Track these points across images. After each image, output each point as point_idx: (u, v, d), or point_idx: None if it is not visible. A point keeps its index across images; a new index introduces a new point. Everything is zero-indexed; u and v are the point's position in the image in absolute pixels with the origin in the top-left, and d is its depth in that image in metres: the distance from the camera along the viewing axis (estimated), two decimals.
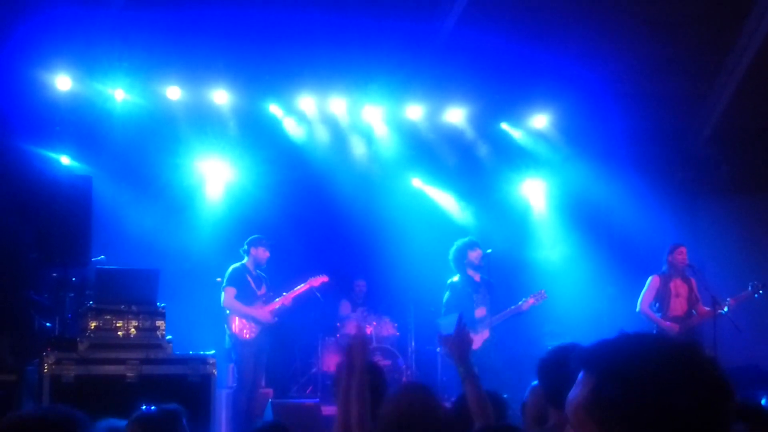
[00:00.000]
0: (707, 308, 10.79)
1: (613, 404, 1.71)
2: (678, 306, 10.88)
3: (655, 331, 10.16)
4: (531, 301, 10.81)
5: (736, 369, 11.28)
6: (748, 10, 12.47)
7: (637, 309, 10.92)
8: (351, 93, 12.84)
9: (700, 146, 13.84)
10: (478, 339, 10.50)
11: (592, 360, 1.79)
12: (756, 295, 10.79)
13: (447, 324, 10.68)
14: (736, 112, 13.26)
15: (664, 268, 10.99)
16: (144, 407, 4.72)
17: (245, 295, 10.51)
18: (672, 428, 1.67)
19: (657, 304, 10.91)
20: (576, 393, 1.80)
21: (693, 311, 10.88)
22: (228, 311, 10.48)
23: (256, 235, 10.81)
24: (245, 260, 10.69)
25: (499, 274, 11.23)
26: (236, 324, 10.42)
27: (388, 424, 3.59)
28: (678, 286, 10.93)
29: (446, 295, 10.81)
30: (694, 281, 10.98)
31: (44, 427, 2.81)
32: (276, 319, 10.69)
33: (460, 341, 3.90)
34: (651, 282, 10.96)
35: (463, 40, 12.18)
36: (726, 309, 10.57)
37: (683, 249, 10.98)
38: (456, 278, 10.81)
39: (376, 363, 5.94)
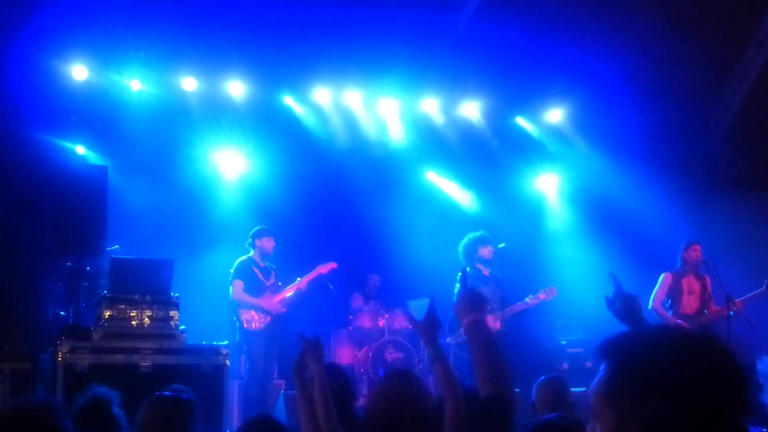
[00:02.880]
0: (719, 307, 10.76)
1: (629, 392, 1.76)
2: (690, 303, 10.86)
3: None
4: (542, 296, 10.78)
5: (750, 365, 11.24)
6: (766, 6, 12.42)
7: (649, 306, 10.88)
8: (366, 85, 12.84)
9: (715, 142, 13.79)
10: None
11: (609, 350, 1.84)
12: None
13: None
14: (752, 109, 13.20)
15: (678, 264, 10.97)
16: (158, 393, 4.81)
17: (253, 287, 10.53)
18: (686, 416, 1.70)
19: (669, 301, 10.89)
20: (596, 382, 1.84)
21: (705, 310, 10.85)
22: (237, 304, 10.52)
23: (259, 227, 10.84)
24: (251, 253, 10.71)
25: (512, 268, 11.20)
26: (245, 315, 10.45)
27: (375, 415, 3.55)
28: (691, 283, 10.90)
29: (456, 287, 10.79)
30: (708, 279, 10.94)
31: (22, 419, 2.86)
32: (284, 309, 10.70)
33: (428, 325, 3.93)
34: (663, 279, 10.94)
35: (478, 33, 12.16)
36: (732, 313, 10.53)
37: (697, 246, 10.95)
38: (466, 270, 10.78)
39: (337, 365, 5.97)
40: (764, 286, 10.73)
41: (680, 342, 1.79)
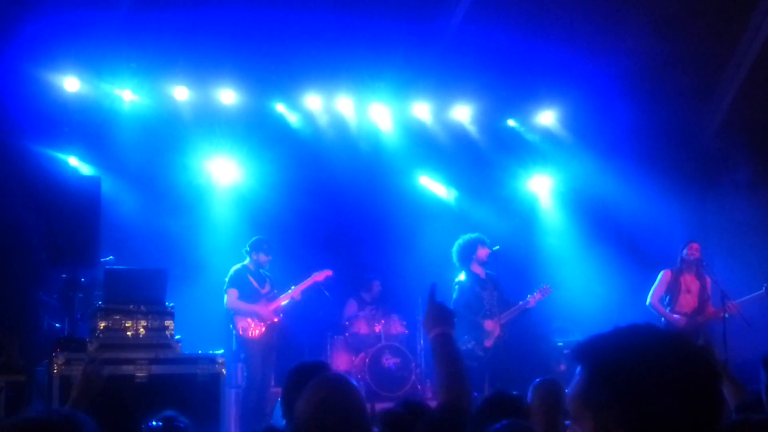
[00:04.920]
0: (716, 308, 10.77)
1: (607, 393, 1.79)
2: (687, 302, 10.88)
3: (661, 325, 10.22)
4: (537, 296, 10.76)
5: (746, 363, 11.25)
6: (754, 4, 12.46)
7: (647, 302, 10.94)
8: (357, 91, 12.86)
9: (708, 140, 13.81)
10: (491, 338, 10.49)
11: (585, 353, 1.87)
12: None
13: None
14: (743, 106, 13.23)
15: (677, 262, 11.00)
16: (151, 423, 4.52)
17: (248, 295, 10.53)
18: (661, 414, 1.74)
19: (667, 298, 10.92)
20: (573, 385, 1.87)
21: (702, 309, 10.86)
22: (232, 312, 10.51)
23: (256, 238, 10.82)
24: (247, 261, 10.71)
25: (507, 270, 11.21)
26: (242, 323, 10.44)
27: (303, 423, 3.36)
28: (689, 281, 10.92)
29: (454, 294, 10.77)
30: (709, 280, 10.93)
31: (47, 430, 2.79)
32: (280, 315, 10.70)
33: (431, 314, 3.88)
34: (662, 276, 10.99)
35: (468, 37, 12.19)
36: (727, 315, 10.56)
37: (694, 245, 10.98)
38: (462, 277, 10.76)
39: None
40: (764, 289, 10.73)
41: (653, 341, 1.82)
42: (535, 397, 5.34)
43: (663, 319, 10.78)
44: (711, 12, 12.36)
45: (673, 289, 10.93)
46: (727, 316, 10.58)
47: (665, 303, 10.94)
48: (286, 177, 12.71)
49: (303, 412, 3.36)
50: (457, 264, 10.76)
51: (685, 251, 10.95)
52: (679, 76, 13.10)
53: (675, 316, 10.74)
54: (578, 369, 1.87)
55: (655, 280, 11.05)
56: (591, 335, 1.89)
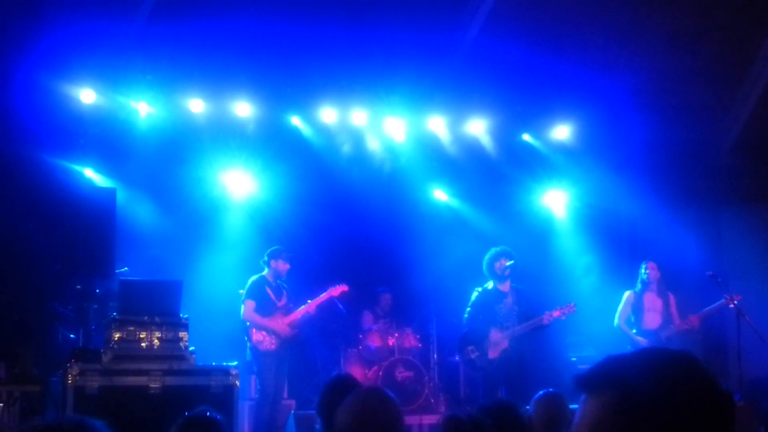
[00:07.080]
0: (681, 321, 11.12)
1: (617, 423, 1.72)
2: (651, 320, 11.32)
3: (630, 347, 10.66)
4: (555, 313, 10.67)
5: (760, 379, 11.21)
6: None
7: (615, 324, 11.26)
8: (372, 105, 12.86)
9: (723, 156, 13.76)
10: (496, 350, 10.47)
11: (592, 382, 1.80)
12: (731, 306, 10.93)
13: None
14: (759, 122, 13.19)
15: (638, 283, 11.24)
16: (187, 413, 4.61)
17: (265, 307, 10.51)
18: None
19: (633, 318, 11.24)
20: (581, 414, 1.80)
21: (668, 325, 11.09)
22: (247, 324, 10.50)
23: (276, 247, 10.81)
24: (265, 272, 10.69)
25: (521, 285, 11.19)
26: (256, 336, 10.43)
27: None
28: (651, 300, 11.27)
29: (471, 299, 10.79)
30: (672, 298, 11.24)
31: None
32: (295, 331, 10.68)
33: None
34: (626, 298, 11.40)
35: (484, 51, 12.20)
36: (688, 327, 11.02)
37: (651, 263, 11.35)
38: (482, 287, 10.75)
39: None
40: (723, 299, 10.88)
41: (663, 368, 1.77)
42: (537, 409, 5.33)
43: (630, 339, 11.09)
44: (727, 27, 12.34)
45: (637, 309, 11.29)
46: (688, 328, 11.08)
47: (631, 323, 11.27)
48: (300, 189, 12.72)
49: (345, 423, 3.46)
50: (486, 274, 10.79)
51: (642, 271, 11.31)
52: (695, 91, 13.08)
53: (639, 338, 11.02)
54: (582, 398, 1.80)
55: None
56: (597, 363, 1.82)
